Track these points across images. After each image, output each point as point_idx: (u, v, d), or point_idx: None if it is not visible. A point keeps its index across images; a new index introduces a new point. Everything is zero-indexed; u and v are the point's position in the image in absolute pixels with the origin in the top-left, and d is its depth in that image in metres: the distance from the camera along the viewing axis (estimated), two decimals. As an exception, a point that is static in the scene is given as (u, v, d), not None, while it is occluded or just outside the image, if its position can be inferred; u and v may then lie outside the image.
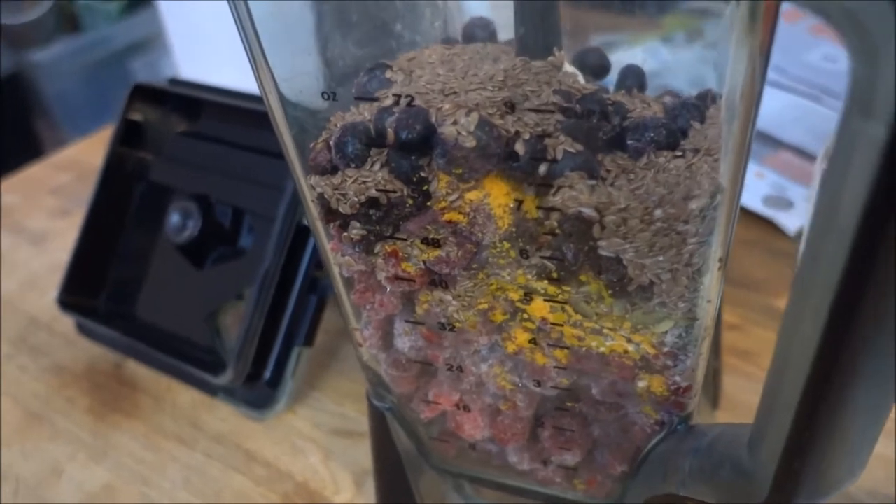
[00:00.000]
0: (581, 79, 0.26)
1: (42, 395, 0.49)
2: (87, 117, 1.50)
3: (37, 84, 1.58)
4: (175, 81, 0.52)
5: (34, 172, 0.75)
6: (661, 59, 0.29)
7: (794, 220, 0.53)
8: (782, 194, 0.56)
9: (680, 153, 0.24)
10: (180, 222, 0.46)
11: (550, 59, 0.25)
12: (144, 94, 0.51)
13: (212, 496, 0.41)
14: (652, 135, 0.24)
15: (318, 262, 0.44)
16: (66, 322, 0.53)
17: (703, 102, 0.26)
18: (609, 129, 0.25)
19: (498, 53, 0.28)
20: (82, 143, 0.79)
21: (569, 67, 0.26)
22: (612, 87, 0.28)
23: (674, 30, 0.30)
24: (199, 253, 0.47)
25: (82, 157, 0.75)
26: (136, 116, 0.51)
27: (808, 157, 0.58)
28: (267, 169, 0.45)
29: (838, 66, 0.62)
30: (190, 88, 0.50)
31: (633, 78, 0.29)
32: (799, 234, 0.52)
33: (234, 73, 0.52)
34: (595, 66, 0.29)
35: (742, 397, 0.42)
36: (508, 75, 0.25)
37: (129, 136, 0.51)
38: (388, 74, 0.26)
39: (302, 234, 0.43)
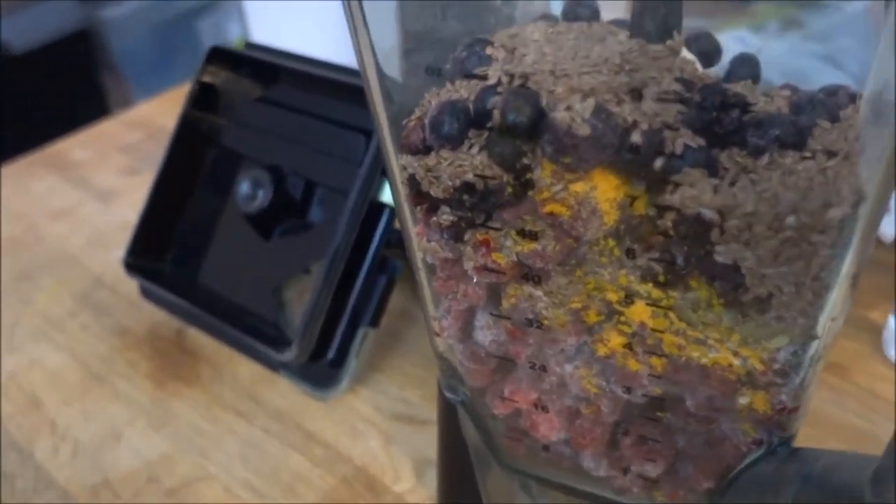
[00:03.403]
0: (699, 66, 0.24)
1: (104, 356, 0.49)
2: (152, 76, 1.51)
3: (106, 40, 1.59)
4: (252, 45, 0.51)
5: (104, 129, 0.75)
6: (751, 48, 0.27)
7: (893, 226, 0.50)
8: (877, 198, 0.52)
9: (809, 154, 0.22)
10: (251, 192, 0.45)
11: (669, 43, 0.23)
12: (220, 57, 0.50)
13: (269, 473, 0.40)
14: (777, 132, 0.22)
15: (388, 242, 0.42)
16: (130, 283, 0.52)
17: (833, 99, 0.23)
18: (728, 122, 0.23)
19: (604, 34, 0.26)
20: (153, 102, 0.78)
21: (687, 54, 0.24)
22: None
23: (766, 18, 0.28)
24: (268, 224, 0.46)
25: (153, 117, 0.75)
26: (211, 79, 0.50)
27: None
28: (342, 142, 0.43)
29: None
30: (266, 53, 0.49)
31: (747, 68, 0.27)
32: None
33: (308, 36, 0.51)
34: (706, 53, 0.27)
35: (830, 412, 0.39)
36: (625, 59, 0.23)
37: (202, 99, 0.50)
38: (489, 51, 0.25)
39: (375, 211, 0.41)
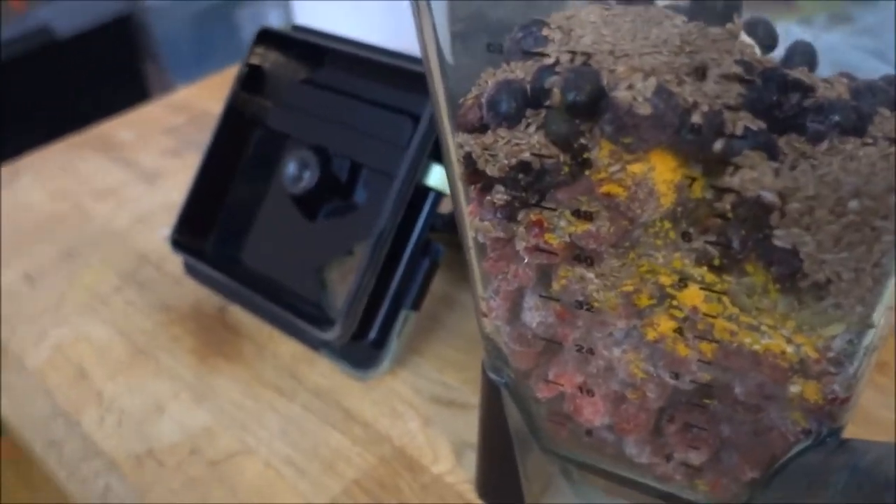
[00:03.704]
0: (758, 50, 0.24)
1: (148, 331, 0.49)
2: (191, 64, 1.53)
3: (147, 27, 1.62)
4: (299, 28, 0.51)
5: (148, 112, 0.76)
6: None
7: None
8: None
9: (870, 141, 0.22)
10: (297, 172, 0.46)
11: (728, 26, 0.23)
12: (269, 39, 0.50)
13: (308, 450, 0.41)
14: (838, 118, 0.22)
15: (432, 226, 0.42)
16: (174, 261, 0.53)
17: (893, 89, 0.23)
18: (789, 107, 0.23)
19: (660, 17, 0.26)
20: (194, 87, 0.79)
21: (745, 37, 0.24)
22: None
23: (813, 12, 0.27)
24: (313, 204, 0.46)
25: (194, 101, 0.76)
26: (259, 61, 0.51)
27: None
28: (388, 124, 0.44)
29: None
30: (314, 36, 0.49)
31: (803, 56, 0.27)
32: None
33: (351, 24, 0.51)
34: (762, 39, 0.27)
35: (876, 412, 0.39)
36: (685, 40, 0.23)
37: (250, 80, 0.51)
38: (545, 32, 0.25)
39: (420, 194, 0.42)
